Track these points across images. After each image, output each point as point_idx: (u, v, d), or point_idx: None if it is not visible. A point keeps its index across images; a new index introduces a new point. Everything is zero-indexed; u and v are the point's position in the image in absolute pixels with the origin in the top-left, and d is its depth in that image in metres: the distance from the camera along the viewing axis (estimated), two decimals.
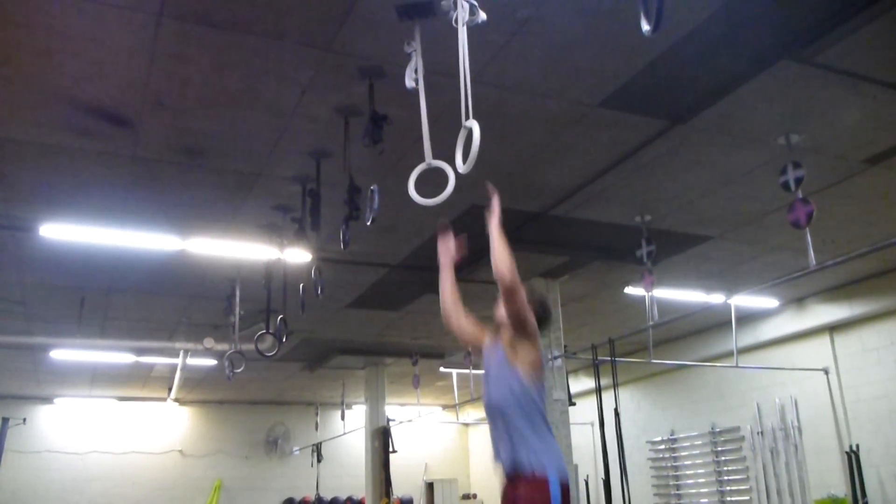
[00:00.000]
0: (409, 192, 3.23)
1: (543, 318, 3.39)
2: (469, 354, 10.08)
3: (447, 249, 3.45)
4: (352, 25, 4.06)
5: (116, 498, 14.82)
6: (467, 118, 3.08)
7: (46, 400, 14.83)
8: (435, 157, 3.21)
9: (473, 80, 3.20)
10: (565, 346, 8.45)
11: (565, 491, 3.00)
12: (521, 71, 4.55)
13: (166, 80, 4.53)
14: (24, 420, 14.18)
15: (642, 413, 12.95)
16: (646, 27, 3.13)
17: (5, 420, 13.29)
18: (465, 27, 3.19)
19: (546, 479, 2.97)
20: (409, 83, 3.45)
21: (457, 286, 3.50)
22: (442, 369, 12.82)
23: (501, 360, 3.21)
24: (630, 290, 8.91)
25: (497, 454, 3.18)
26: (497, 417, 3.17)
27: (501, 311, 3.28)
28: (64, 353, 10.16)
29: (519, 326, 3.16)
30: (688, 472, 11.88)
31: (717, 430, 11.35)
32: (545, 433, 3.11)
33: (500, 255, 3.08)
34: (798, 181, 5.47)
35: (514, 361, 3.16)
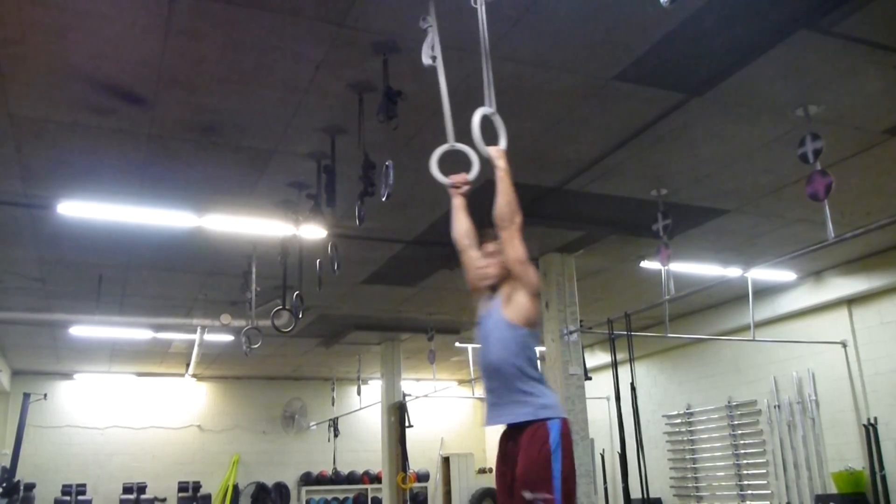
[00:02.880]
0: (432, 172, 3.23)
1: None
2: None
3: (455, 191, 3.39)
4: (365, 0, 4.04)
5: (136, 472, 15.02)
6: (490, 103, 3.07)
7: (66, 376, 15.02)
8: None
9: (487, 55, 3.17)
10: (581, 321, 8.45)
11: (566, 431, 3.06)
12: (536, 45, 4.51)
13: (181, 57, 4.53)
14: (45, 395, 14.41)
15: (658, 387, 12.96)
16: None
17: (26, 395, 13.48)
18: (483, 6, 3.17)
19: (546, 421, 3.03)
20: (427, 60, 3.42)
21: (468, 218, 3.43)
22: (457, 344, 12.84)
23: (498, 320, 3.19)
24: (646, 264, 8.88)
25: (493, 416, 3.18)
26: (494, 377, 3.17)
27: (503, 260, 3.22)
28: (83, 330, 10.27)
29: (520, 271, 3.12)
30: (704, 447, 11.89)
31: (734, 403, 11.34)
32: (539, 384, 3.14)
33: (508, 195, 3.08)
34: (816, 153, 5.41)
35: (512, 318, 3.14)
